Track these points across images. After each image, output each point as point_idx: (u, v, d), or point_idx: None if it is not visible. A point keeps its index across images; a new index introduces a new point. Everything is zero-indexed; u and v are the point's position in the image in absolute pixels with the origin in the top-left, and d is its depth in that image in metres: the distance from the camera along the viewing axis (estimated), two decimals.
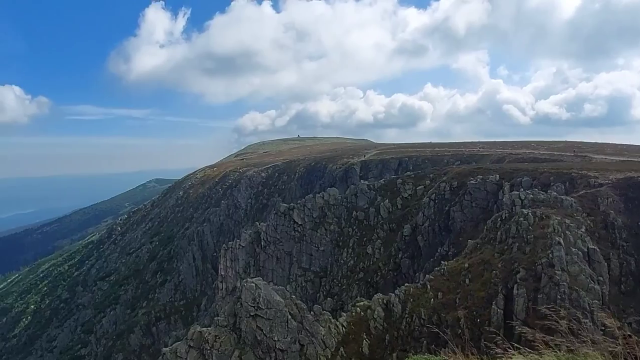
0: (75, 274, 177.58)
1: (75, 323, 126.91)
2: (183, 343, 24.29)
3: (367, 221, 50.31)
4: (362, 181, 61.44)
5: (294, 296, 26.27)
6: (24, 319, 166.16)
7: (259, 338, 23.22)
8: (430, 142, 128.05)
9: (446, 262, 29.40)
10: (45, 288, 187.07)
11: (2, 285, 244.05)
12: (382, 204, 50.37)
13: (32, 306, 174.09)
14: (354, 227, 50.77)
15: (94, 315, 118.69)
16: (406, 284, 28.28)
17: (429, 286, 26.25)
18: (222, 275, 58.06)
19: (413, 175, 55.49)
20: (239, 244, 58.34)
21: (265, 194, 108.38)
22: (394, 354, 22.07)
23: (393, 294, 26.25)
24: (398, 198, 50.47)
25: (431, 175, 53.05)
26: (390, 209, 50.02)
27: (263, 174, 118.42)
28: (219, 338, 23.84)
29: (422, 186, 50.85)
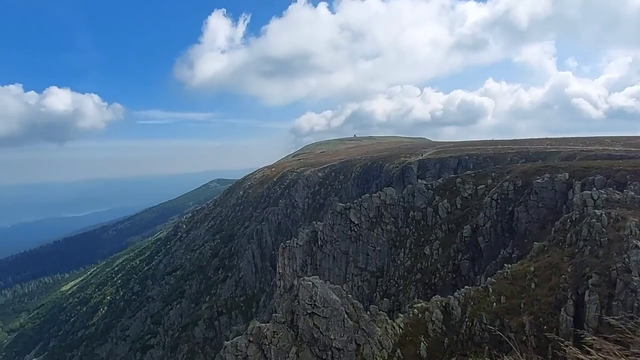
0: (146, 268, 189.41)
1: (145, 314, 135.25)
2: (243, 338, 25.11)
3: (425, 221, 49.23)
4: (419, 180, 60.20)
5: (350, 295, 26.27)
6: (101, 309, 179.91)
7: (315, 336, 23.50)
8: (492, 140, 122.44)
9: (510, 265, 28.08)
10: (120, 281, 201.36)
11: (82, 277, 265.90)
12: (440, 203, 49.06)
13: (108, 297, 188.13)
14: (411, 227, 49.86)
15: (162, 308, 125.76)
16: (466, 287, 27.34)
17: (491, 289, 25.21)
18: (280, 273, 59.30)
19: (473, 174, 53.49)
20: (297, 243, 59.29)
21: (322, 194, 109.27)
22: (453, 359, 21.44)
23: (452, 297, 25.48)
24: (457, 198, 48.91)
25: (493, 174, 50.86)
26: (449, 209, 48.60)
27: (320, 174, 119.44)
28: (277, 334, 24.40)
29: (484, 185, 48.91)
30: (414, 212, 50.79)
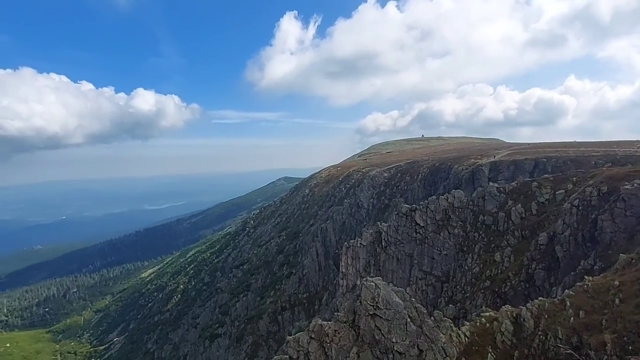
0: (215, 260, 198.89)
1: (214, 304, 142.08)
2: (305, 334, 25.50)
3: (496, 226, 46.83)
4: (490, 183, 57.34)
5: (413, 299, 25.71)
6: (175, 297, 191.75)
7: (377, 337, 23.29)
8: (574, 141, 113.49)
9: (591, 278, 25.89)
10: (192, 271, 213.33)
11: (159, 266, 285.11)
12: (513, 208, 46.40)
13: (181, 286, 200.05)
14: (481, 232, 47.68)
15: (229, 299, 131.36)
16: (540, 298, 25.60)
17: (568, 303, 23.42)
18: (343, 272, 59.49)
19: (552, 178, 49.97)
20: (360, 243, 59.14)
21: (387, 194, 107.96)
22: None
23: (524, 308, 23.97)
24: (533, 203, 45.97)
25: (574, 178, 47.18)
26: (523, 215, 45.80)
27: (385, 174, 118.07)
28: (339, 333, 24.51)
29: (563, 190, 45.55)
30: (484, 216, 48.53)
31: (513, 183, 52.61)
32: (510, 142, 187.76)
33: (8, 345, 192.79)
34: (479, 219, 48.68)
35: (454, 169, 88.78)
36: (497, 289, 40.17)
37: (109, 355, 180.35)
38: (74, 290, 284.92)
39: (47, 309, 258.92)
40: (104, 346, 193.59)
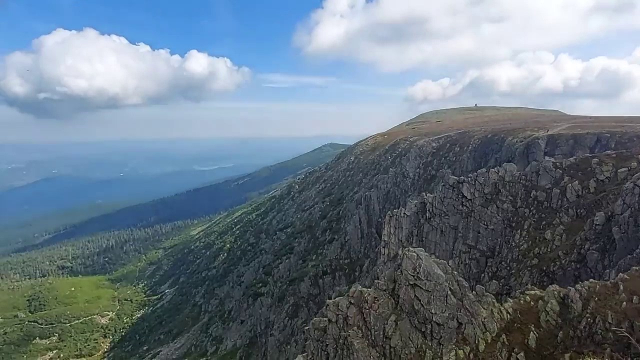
0: (260, 222, 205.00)
1: (258, 264, 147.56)
2: (344, 299, 25.98)
3: (549, 203, 44.70)
4: (546, 158, 54.39)
5: (455, 272, 25.37)
6: (222, 255, 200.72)
7: (416, 307, 23.34)
8: None
9: None
10: (238, 231, 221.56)
11: (207, 225, 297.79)
12: (569, 185, 43.92)
13: (228, 245, 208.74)
14: (531, 208, 45.76)
15: (272, 261, 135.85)
16: (591, 280, 24.48)
17: (622, 286, 22.26)
18: (385, 241, 59.53)
19: (614, 155, 46.59)
20: (404, 213, 58.63)
21: (434, 165, 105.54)
22: (567, 354, 19.62)
23: (573, 288, 23.03)
24: (591, 180, 43.26)
25: None
26: (580, 192, 43.32)
27: (434, 144, 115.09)
28: (378, 300, 24.76)
29: (626, 169, 42.46)
30: (536, 192, 46.40)
31: (571, 158, 49.56)
32: (571, 114, 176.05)
33: (73, 289, 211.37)
34: (531, 195, 46.62)
35: (507, 141, 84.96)
36: (545, 268, 38.81)
37: (161, 305, 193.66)
38: (130, 242, 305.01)
39: (106, 258, 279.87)
40: (156, 296, 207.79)
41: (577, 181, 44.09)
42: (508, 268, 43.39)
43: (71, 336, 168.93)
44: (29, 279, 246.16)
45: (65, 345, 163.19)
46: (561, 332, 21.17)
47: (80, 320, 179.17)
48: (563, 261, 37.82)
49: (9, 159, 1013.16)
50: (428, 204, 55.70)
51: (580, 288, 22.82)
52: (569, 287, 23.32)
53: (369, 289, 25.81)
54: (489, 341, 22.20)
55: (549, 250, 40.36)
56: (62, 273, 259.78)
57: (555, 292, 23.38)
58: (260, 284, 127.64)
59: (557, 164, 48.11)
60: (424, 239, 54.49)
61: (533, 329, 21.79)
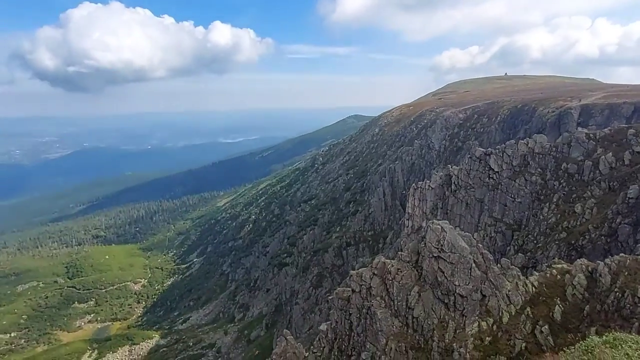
0: (285, 194, 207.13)
1: (283, 235, 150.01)
2: (368, 270, 26.30)
3: (580, 175, 43.36)
4: (579, 128, 52.42)
5: (480, 245, 25.19)
6: (247, 226, 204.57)
7: (439, 279, 23.42)
8: None
9: None
10: (263, 203, 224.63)
11: (233, 197, 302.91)
12: (603, 157, 42.34)
13: (253, 216, 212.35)
14: (561, 181, 44.52)
15: (297, 232, 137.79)
16: (621, 254, 23.88)
17: None
18: (409, 213, 59.35)
19: None
20: (429, 185, 58.08)
21: (460, 136, 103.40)
22: (593, 328, 19.44)
23: (602, 263, 22.55)
24: (626, 152, 41.53)
25: None
26: (614, 164, 41.73)
27: (461, 115, 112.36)
28: (401, 272, 24.96)
29: None
30: (567, 164, 44.99)
31: (605, 129, 47.55)
32: (608, 83, 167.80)
33: (107, 257, 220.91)
34: (562, 167, 45.26)
35: (538, 112, 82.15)
36: (573, 242, 38.05)
37: (190, 273, 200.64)
38: (159, 213, 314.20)
39: (137, 228, 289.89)
40: (185, 265, 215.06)
41: (610, 153, 42.43)
42: (535, 241, 42.74)
43: (107, 301, 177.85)
44: (66, 247, 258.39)
45: (102, 310, 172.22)
46: (588, 306, 20.92)
47: (114, 287, 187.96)
48: (593, 235, 36.95)
49: (43, 132, 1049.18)
50: (453, 177, 54.94)
51: (609, 262, 22.33)
52: (597, 261, 22.86)
53: (392, 261, 26.00)
54: (513, 313, 22.17)
55: (578, 223, 39.44)
56: (97, 242, 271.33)
57: (583, 266, 22.98)
58: (285, 255, 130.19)
59: (591, 135, 46.32)
60: (448, 211, 54.04)
61: (559, 302, 21.60)
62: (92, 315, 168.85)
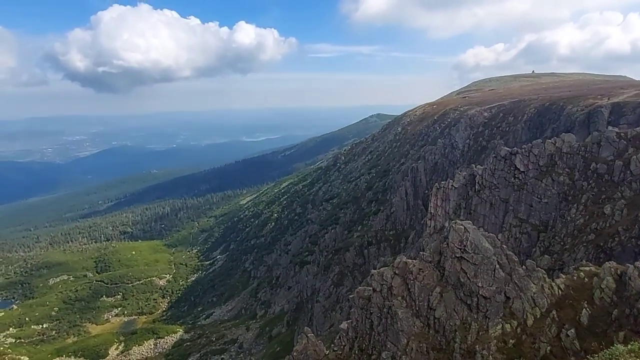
0: (307, 193, 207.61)
1: (305, 234, 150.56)
2: (389, 269, 26.24)
3: (610, 176, 42.10)
4: (610, 128, 50.81)
5: (505, 246, 24.81)
6: (269, 224, 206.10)
7: (462, 280, 23.19)
8: None
9: None
10: (285, 202, 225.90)
11: (255, 195, 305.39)
12: (634, 157, 40.98)
13: (275, 215, 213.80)
14: (590, 181, 43.32)
15: (319, 230, 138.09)
16: None
17: None
18: (431, 213, 58.80)
19: None
20: (452, 185, 57.39)
21: (485, 136, 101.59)
22: (621, 333, 18.90)
23: (632, 266, 21.84)
24: None
25: None
26: None
27: (486, 114, 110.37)
28: (423, 272, 24.82)
29: None
30: (596, 164, 43.73)
31: (638, 128, 45.99)
32: (639, 80, 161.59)
33: (133, 252, 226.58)
34: (591, 167, 44.03)
35: (566, 110, 79.99)
36: (602, 244, 37.01)
37: (213, 269, 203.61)
38: (184, 210, 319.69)
39: (162, 225, 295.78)
40: (209, 261, 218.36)
41: None
42: (562, 243, 41.74)
43: (133, 295, 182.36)
44: (95, 242, 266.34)
45: (128, 304, 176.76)
46: (616, 309, 20.36)
47: (140, 282, 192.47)
48: (622, 237, 35.87)
49: (74, 131, 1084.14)
50: (477, 176, 54.13)
51: (639, 265, 21.68)
52: (627, 264, 22.21)
53: (414, 261, 25.88)
54: (538, 316, 21.78)
55: (607, 225, 38.33)
56: (124, 238, 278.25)
57: (612, 269, 22.36)
58: (307, 253, 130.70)
59: (622, 134, 44.89)
60: (472, 211, 53.27)
61: (586, 306, 21.10)
62: (119, 308, 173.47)
